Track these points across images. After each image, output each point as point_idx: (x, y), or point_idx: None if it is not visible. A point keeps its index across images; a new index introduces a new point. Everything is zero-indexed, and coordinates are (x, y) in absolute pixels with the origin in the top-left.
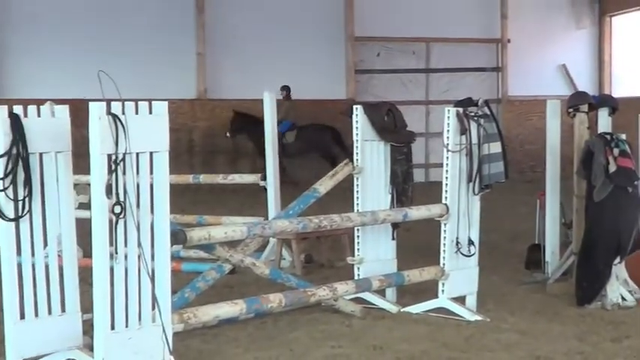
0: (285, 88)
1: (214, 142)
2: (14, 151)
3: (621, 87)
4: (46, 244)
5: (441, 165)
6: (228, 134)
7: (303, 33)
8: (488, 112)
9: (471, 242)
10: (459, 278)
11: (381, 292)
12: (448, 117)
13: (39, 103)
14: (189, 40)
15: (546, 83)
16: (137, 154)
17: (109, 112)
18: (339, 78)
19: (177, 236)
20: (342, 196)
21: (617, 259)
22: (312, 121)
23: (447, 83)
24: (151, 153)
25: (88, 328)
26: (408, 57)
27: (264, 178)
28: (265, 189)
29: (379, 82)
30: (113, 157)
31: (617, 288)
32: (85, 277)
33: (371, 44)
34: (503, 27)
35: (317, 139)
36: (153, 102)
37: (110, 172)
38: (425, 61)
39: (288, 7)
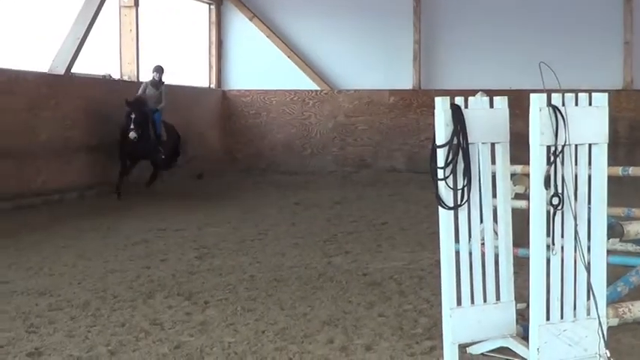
0: (159, 69)
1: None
2: (455, 141)
3: None
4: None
5: None
6: (133, 135)
7: None
8: None
9: None
10: None
11: None
12: None
13: (471, 94)
14: (616, 29)
15: None
16: (576, 145)
17: (549, 104)
18: None
19: (615, 229)
20: None
21: None
22: None
23: None
24: (590, 145)
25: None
26: None
27: None
28: None
29: None
30: (552, 149)
31: None
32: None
33: None
34: None
35: (176, 139)
36: (593, 93)
37: (549, 163)
38: None
39: None
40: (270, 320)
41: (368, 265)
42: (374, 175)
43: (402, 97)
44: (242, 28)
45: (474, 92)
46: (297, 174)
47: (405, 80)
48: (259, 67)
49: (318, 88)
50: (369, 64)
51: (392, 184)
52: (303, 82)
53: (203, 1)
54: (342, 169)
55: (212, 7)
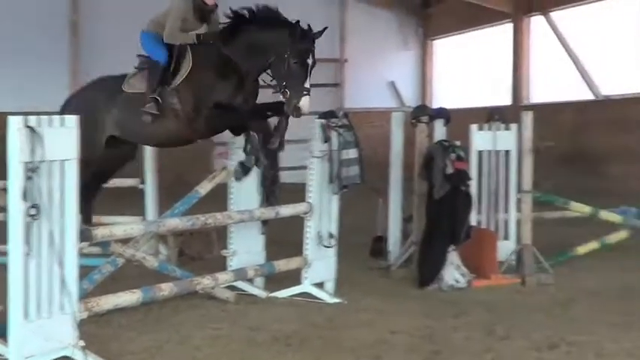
0: None
1: None
2: None
3: (441, 102)
4: None
5: (294, 168)
6: None
7: None
8: (347, 123)
9: (331, 235)
10: (320, 266)
11: (249, 280)
12: (314, 127)
13: None
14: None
15: (378, 97)
16: (50, 161)
17: (26, 125)
18: None
19: (85, 234)
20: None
21: (452, 247)
22: None
23: None
24: (63, 161)
25: None
26: None
27: (143, 182)
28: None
29: None
30: (29, 165)
31: (451, 272)
32: None
33: None
34: (341, 48)
35: None
36: (65, 116)
37: (27, 178)
38: None
39: None
40: None
41: None
42: None
43: None
44: None
45: None
46: None
47: None
48: None
49: None
50: None
51: None
52: None
53: None
54: None
55: None
